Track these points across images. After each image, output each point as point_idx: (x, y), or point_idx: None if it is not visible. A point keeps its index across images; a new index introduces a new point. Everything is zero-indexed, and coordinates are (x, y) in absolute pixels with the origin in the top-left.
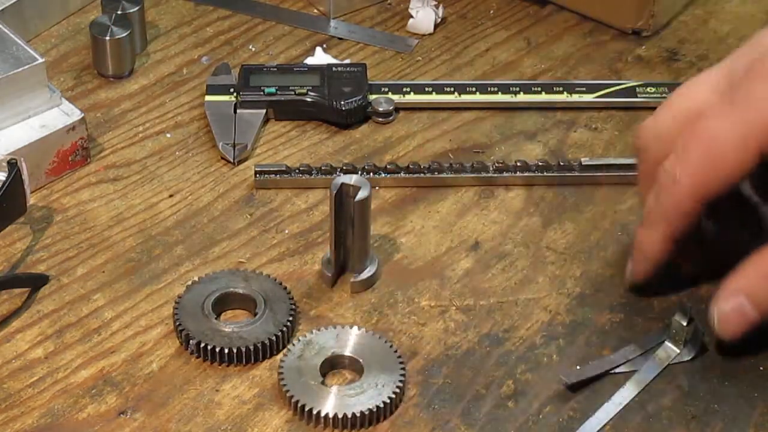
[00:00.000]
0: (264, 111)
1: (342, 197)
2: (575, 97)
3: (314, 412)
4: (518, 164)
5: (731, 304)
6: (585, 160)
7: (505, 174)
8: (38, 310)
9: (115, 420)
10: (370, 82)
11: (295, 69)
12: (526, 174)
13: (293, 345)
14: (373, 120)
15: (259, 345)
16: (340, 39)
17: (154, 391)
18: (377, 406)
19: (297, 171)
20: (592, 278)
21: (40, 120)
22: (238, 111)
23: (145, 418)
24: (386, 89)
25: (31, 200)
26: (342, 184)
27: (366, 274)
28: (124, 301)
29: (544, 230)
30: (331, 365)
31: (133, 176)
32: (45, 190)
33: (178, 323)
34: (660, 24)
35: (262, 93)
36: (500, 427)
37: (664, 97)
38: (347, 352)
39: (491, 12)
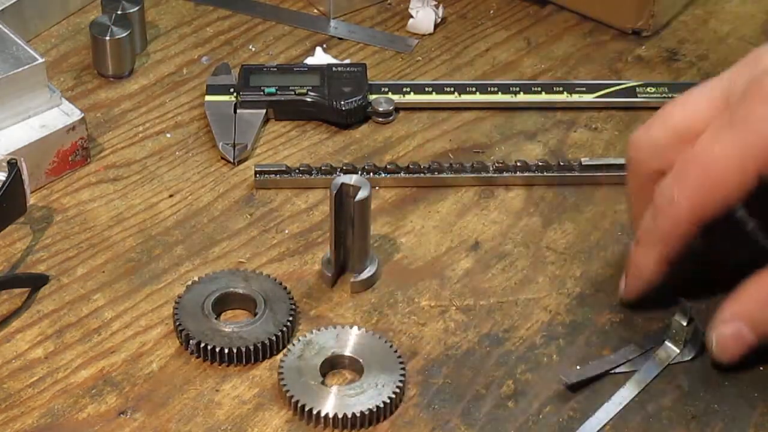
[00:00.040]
0: (264, 111)
1: (342, 197)
2: (575, 97)
3: (314, 412)
4: (518, 164)
5: (730, 329)
6: (585, 160)
7: (505, 174)
8: (38, 310)
9: (115, 420)
10: (370, 82)
11: (295, 69)
12: (526, 174)
13: (293, 345)
14: (373, 120)
15: (259, 345)
16: (340, 39)
17: (154, 391)
18: (377, 406)
19: (297, 171)
20: (592, 278)
21: (40, 120)
22: (238, 111)
23: (145, 418)
24: (386, 89)
25: (31, 200)
26: (342, 184)
27: (366, 274)
28: (124, 301)
29: (544, 230)
30: (331, 365)
31: (133, 176)
32: (45, 190)
33: (178, 323)
34: (660, 24)
35: (262, 93)
36: (500, 427)
37: (664, 97)
38: (347, 352)
39: (491, 12)
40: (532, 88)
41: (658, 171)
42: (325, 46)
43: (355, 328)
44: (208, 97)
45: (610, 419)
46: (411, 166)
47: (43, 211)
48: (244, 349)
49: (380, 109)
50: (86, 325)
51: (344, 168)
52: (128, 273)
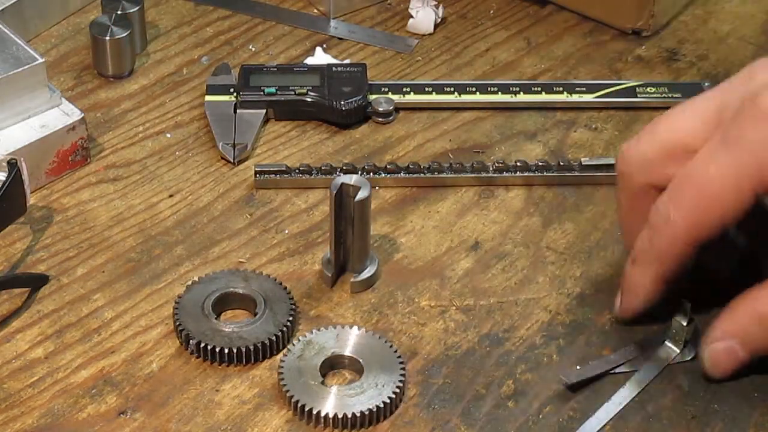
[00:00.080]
0: (264, 111)
1: (342, 197)
2: (575, 97)
3: (314, 412)
4: (518, 164)
5: (722, 346)
6: (585, 160)
7: (505, 174)
8: (38, 310)
9: (115, 420)
10: (370, 82)
11: (295, 69)
12: (526, 174)
13: (293, 345)
14: (373, 120)
15: (259, 345)
16: (340, 39)
17: (154, 391)
18: (377, 406)
19: (297, 171)
20: (592, 278)
21: (40, 120)
22: (238, 111)
23: (145, 418)
24: (386, 89)
25: (31, 200)
26: (342, 184)
27: (366, 274)
28: (124, 301)
29: (544, 230)
30: (331, 365)
31: (133, 176)
32: (45, 190)
33: (178, 323)
34: (660, 24)
35: (262, 93)
36: (500, 427)
37: (665, 97)
38: (347, 352)
39: (491, 12)
40: (532, 88)
41: (649, 185)
42: (325, 46)
43: (355, 328)
44: (208, 97)
45: (610, 419)
46: (411, 166)
47: (43, 211)
48: (244, 349)
49: (380, 109)
50: (86, 325)
51: (344, 168)
52: (128, 273)
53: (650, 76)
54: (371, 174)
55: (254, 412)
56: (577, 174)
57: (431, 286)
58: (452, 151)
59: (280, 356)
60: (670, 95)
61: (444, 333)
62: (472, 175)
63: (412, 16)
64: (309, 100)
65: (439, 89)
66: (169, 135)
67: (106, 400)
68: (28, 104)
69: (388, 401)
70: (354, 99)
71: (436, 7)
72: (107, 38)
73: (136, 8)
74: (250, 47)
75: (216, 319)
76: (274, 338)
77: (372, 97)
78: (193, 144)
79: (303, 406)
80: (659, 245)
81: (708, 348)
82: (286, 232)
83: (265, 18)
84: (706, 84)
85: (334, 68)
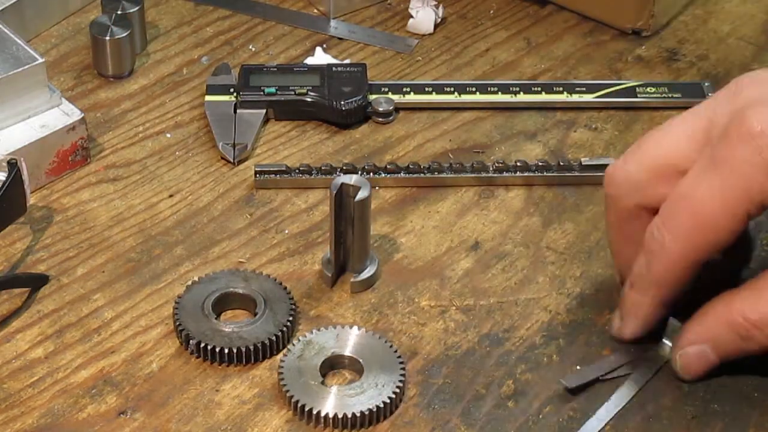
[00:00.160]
0: (264, 111)
1: (342, 197)
2: (575, 97)
3: (314, 412)
4: (518, 164)
5: (693, 350)
6: (585, 160)
7: (505, 174)
8: (38, 310)
9: (115, 420)
10: (370, 82)
11: (295, 69)
12: (526, 174)
13: (293, 345)
14: (373, 120)
15: (259, 345)
16: (340, 39)
17: (154, 391)
18: (377, 406)
19: (297, 171)
20: (592, 278)
21: (40, 120)
22: (238, 111)
23: (145, 418)
24: (386, 89)
25: (31, 200)
26: (342, 184)
27: (366, 274)
28: (124, 301)
29: (544, 230)
30: (331, 365)
31: (133, 176)
32: (45, 190)
33: (178, 323)
34: (660, 24)
35: (262, 93)
36: (500, 427)
37: (665, 97)
38: (347, 352)
39: (491, 12)
40: (532, 88)
41: (638, 206)
42: (325, 46)
43: (355, 328)
44: (208, 97)
45: (610, 419)
46: (411, 166)
47: (43, 211)
48: (244, 349)
49: (380, 109)
50: (86, 325)
51: (344, 168)
52: (128, 273)
53: (650, 76)
54: (371, 174)
55: (254, 412)
56: (577, 174)
57: (431, 286)
58: (452, 151)
59: (280, 356)
60: (670, 95)
61: (444, 333)
62: (472, 175)
63: (412, 16)
64: (309, 100)
65: (439, 89)
66: (169, 135)
67: (106, 400)
68: (28, 104)
69: (388, 401)
70: (354, 99)
71: (436, 7)
72: (107, 38)
73: (136, 8)
74: (250, 47)
75: (216, 319)
76: (274, 338)
77: (372, 97)
78: (193, 144)
79: (303, 406)
80: (656, 270)
81: (680, 352)
82: (286, 232)
83: (265, 18)
84: (706, 84)
85: (334, 68)
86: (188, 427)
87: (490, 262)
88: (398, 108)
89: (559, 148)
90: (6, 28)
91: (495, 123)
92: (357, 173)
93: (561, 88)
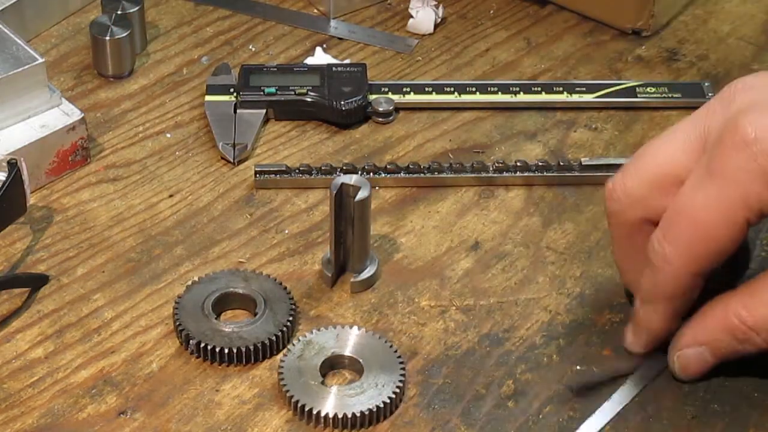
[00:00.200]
0: (264, 111)
1: (342, 197)
2: (575, 97)
3: (314, 412)
4: (518, 164)
5: (691, 352)
6: (585, 160)
7: (505, 174)
8: (38, 310)
9: (115, 420)
10: (370, 82)
11: (295, 69)
12: (526, 174)
13: (293, 345)
14: (373, 120)
15: (259, 345)
16: (340, 39)
17: (154, 391)
18: (377, 406)
19: (297, 171)
20: (592, 278)
21: (40, 120)
22: (238, 111)
23: (145, 418)
24: (386, 89)
25: (31, 200)
26: (342, 184)
27: (366, 274)
28: (124, 301)
29: (544, 230)
30: (331, 365)
31: (133, 176)
32: (45, 190)
33: (178, 323)
34: (660, 24)
35: (262, 93)
36: (500, 427)
37: (665, 97)
38: (347, 352)
39: (491, 12)
40: (532, 88)
41: (641, 220)
42: (325, 46)
43: (355, 328)
44: (208, 97)
45: (611, 419)
46: (411, 166)
47: (43, 211)
48: (244, 349)
49: (380, 109)
50: (86, 325)
51: (344, 168)
52: (128, 273)
53: (650, 76)
54: (371, 174)
55: (254, 412)
56: (577, 174)
57: (431, 286)
58: (452, 151)
59: (280, 356)
60: (670, 95)
61: (444, 333)
62: (472, 175)
63: (412, 16)
64: (309, 100)
65: (439, 89)
66: (169, 135)
67: (106, 400)
68: (28, 104)
69: (388, 401)
70: (354, 99)
71: (436, 7)
72: (107, 38)
73: (136, 8)
74: (250, 47)
75: (216, 319)
76: (274, 338)
77: (372, 97)
78: (193, 144)
79: (303, 406)
80: (662, 283)
81: (678, 353)
82: (286, 232)
83: (265, 18)
84: (706, 84)
85: (334, 68)
86: (188, 427)
87: (490, 262)
88: (398, 108)
89: (559, 148)
90: (6, 28)
91: (495, 123)
92: (357, 173)
93: (561, 88)
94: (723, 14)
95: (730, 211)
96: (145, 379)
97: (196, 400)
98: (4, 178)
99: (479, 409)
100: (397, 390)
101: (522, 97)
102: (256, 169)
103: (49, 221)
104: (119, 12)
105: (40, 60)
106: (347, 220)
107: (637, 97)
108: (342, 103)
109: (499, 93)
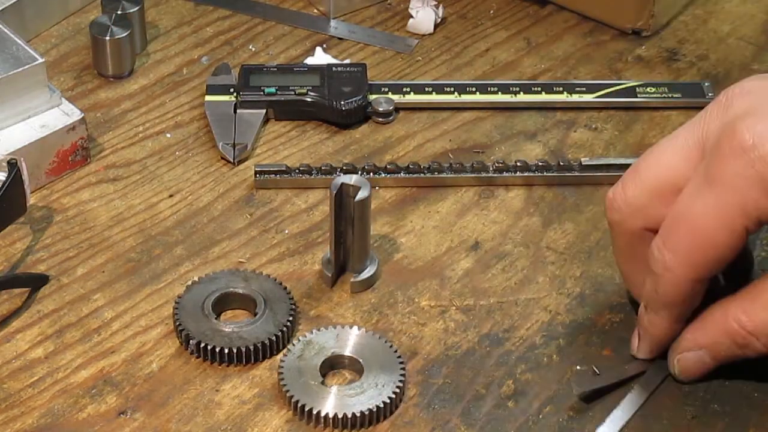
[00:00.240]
0: (264, 111)
1: (342, 197)
2: (575, 97)
3: (314, 412)
4: (518, 164)
5: (692, 355)
6: (585, 160)
7: (505, 174)
8: (38, 310)
9: (115, 420)
10: (370, 82)
11: (295, 69)
12: (526, 174)
13: (293, 345)
14: (373, 120)
15: (259, 345)
16: (340, 39)
17: (154, 391)
18: (377, 406)
19: (297, 171)
20: (592, 278)
21: (40, 120)
22: (238, 111)
23: (145, 418)
24: (386, 89)
25: (31, 200)
26: (342, 184)
27: (366, 274)
28: (124, 301)
29: (544, 230)
30: (331, 365)
31: (133, 176)
32: (45, 190)
33: (178, 323)
34: (660, 24)
35: (262, 93)
36: (500, 427)
37: (665, 97)
38: (347, 352)
39: (491, 12)
40: (532, 88)
41: (642, 229)
42: (325, 46)
43: (355, 328)
44: (208, 97)
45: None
46: (411, 166)
47: (43, 211)
48: (244, 349)
49: (380, 109)
50: (86, 325)
51: (344, 168)
52: (128, 273)
53: (650, 76)
54: (371, 174)
55: (254, 412)
56: (577, 174)
57: (431, 286)
58: (452, 151)
59: (280, 356)
60: (670, 95)
61: (444, 333)
62: (472, 175)
63: (412, 16)
64: (309, 100)
65: (439, 89)
66: (169, 135)
67: (106, 400)
68: (28, 104)
69: (388, 401)
70: (354, 99)
71: (436, 7)
72: (107, 38)
73: (136, 8)
74: (250, 47)
75: (216, 319)
76: (274, 338)
77: (372, 97)
78: (193, 144)
79: (303, 406)
80: (663, 290)
81: (678, 356)
82: (286, 232)
83: (265, 18)
84: (706, 84)
85: (334, 68)
86: (188, 427)
87: (490, 262)
88: (398, 108)
89: (559, 148)
90: (6, 28)
91: (495, 123)
92: (357, 173)
93: (561, 88)
94: (723, 14)
95: (729, 218)
96: (145, 379)
97: (196, 400)
98: (4, 178)
99: (479, 409)
100: (397, 390)
101: (522, 97)
102: (256, 169)
103: (49, 221)
104: (119, 12)
105: (40, 60)
106: (347, 220)
107: (637, 97)
108: (342, 103)
109: (499, 93)
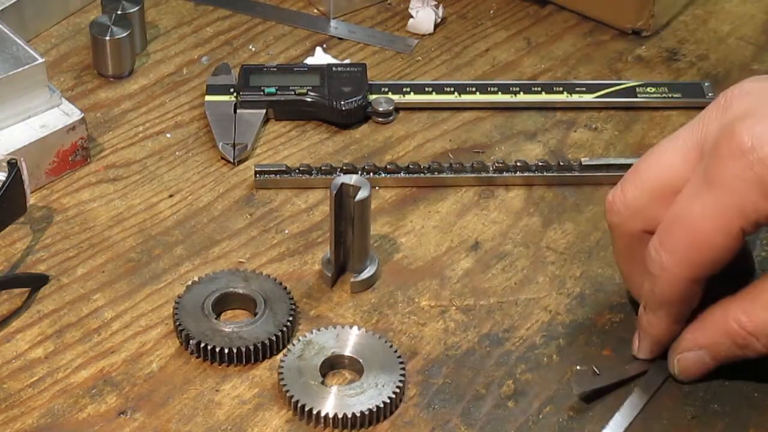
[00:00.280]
0: (264, 111)
1: (342, 197)
2: (575, 97)
3: (314, 412)
4: (518, 164)
5: (692, 355)
6: (585, 160)
7: (505, 174)
8: (38, 310)
9: (115, 420)
10: (370, 82)
11: (295, 69)
12: (526, 174)
13: (293, 345)
14: (373, 120)
15: (259, 345)
16: (340, 39)
17: (154, 391)
18: (377, 406)
19: (297, 171)
20: (592, 278)
21: (40, 120)
22: (238, 111)
23: (145, 418)
24: (386, 89)
25: (31, 200)
26: (342, 184)
27: (366, 274)
28: (124, 301)
29: (544, 230)
30: (331, 365)
31: (133, 176)
32: (45, 190)
33: (178, 323)
34: (660, 24)
35: (262, 93)
36: (500, 427)
37: (665, 97)
38: (347, 352)
39: (491, 12)
40: (532, 88)
41: (642, 231)
42: (325, 46)
43: (355, 328)
44: (208, 97)
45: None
46: (411, 166)
47: (43, 211)
48: (244, 349)
49: (380, 109)
50: (86, 325)
51: (344, 168)
52: (128, 273)
53: (650, 76)
54: (371, 174)
55: (254, 412)
56: (577, 174)
57: (431, 286)
58: (452, 151)
59: (280, 356)
60: (670, 95)
61: (444, 333)
62: (472, 175)
63: (412, 16)
64: (309, 100)
65: (439, 89)
66: (169, 135)
67: (106, 400)
68: (28, 104)
69: (388, 401)
70: (354, 99)
71: (436, 7)
72: (107, 38)
73: (136, 8)
74: (250, 47)
75: (216, 319)
76: (274, 338)
77: (372, 97)
78: (193, 144)
79: (303, 406)
80: (660, 291)
81: (678, 356)
82: (286, 232)
83: (265, 18)
84: (706, 84)
85: (334, 68)
86: (188, 427)
87: (490, 262)
88: (398, 108)
89: (559, 148)
90: (6, 28)
91: (495, 123)
92: (357, 173)
93: (561, 88)
94: (723, 14)
95: (726, 220)
96: (145, 379)
97: (196, 400)
98: (4, 178)
99: (479, 409)
100: (397, 390)
101: (522, 97)
102: (256, 169)
103: (49, 221)
104: (119, 12)
105: (40, 60)
106: (347, 220)
107: (637, 97)
108: (342, 103)
109: (499, 93)
